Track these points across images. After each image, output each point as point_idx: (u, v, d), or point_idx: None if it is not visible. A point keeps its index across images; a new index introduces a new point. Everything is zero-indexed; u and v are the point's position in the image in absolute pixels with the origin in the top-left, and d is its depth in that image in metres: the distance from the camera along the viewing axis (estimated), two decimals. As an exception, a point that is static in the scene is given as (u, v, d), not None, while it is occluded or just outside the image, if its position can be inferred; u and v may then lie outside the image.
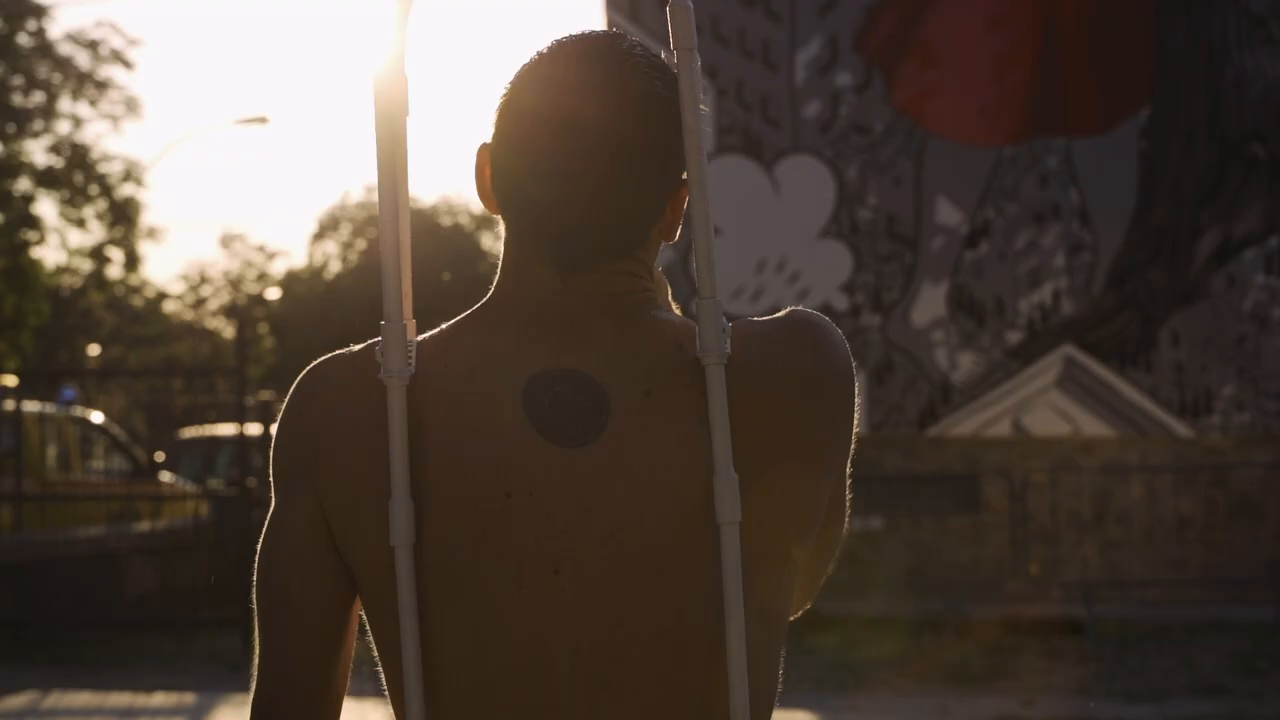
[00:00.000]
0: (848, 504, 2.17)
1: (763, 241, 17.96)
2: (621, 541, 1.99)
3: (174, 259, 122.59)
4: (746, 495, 1.98)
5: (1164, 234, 17.52)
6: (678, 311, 2.26)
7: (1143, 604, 16.54)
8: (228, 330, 58.18)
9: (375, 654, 2.09)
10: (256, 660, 2.09)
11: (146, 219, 49.97)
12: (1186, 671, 12.78)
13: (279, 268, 59.89)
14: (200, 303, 61.60)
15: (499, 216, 2.13)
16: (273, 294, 54.70)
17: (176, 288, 60.90)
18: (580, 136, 2.04)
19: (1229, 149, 17.51)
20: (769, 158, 18.03)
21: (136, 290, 54.59)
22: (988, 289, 17.65)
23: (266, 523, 2.10)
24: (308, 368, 2.11)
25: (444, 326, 2.11)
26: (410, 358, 2.04)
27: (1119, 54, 17.60)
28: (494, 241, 62.24)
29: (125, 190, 37.51)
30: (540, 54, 2.10)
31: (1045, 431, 17.67)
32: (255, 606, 2.10)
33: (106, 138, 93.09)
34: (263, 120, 42.30)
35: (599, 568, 1.99)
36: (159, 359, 51.01)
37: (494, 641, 2.00)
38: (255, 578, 2.09)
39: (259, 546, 2.09)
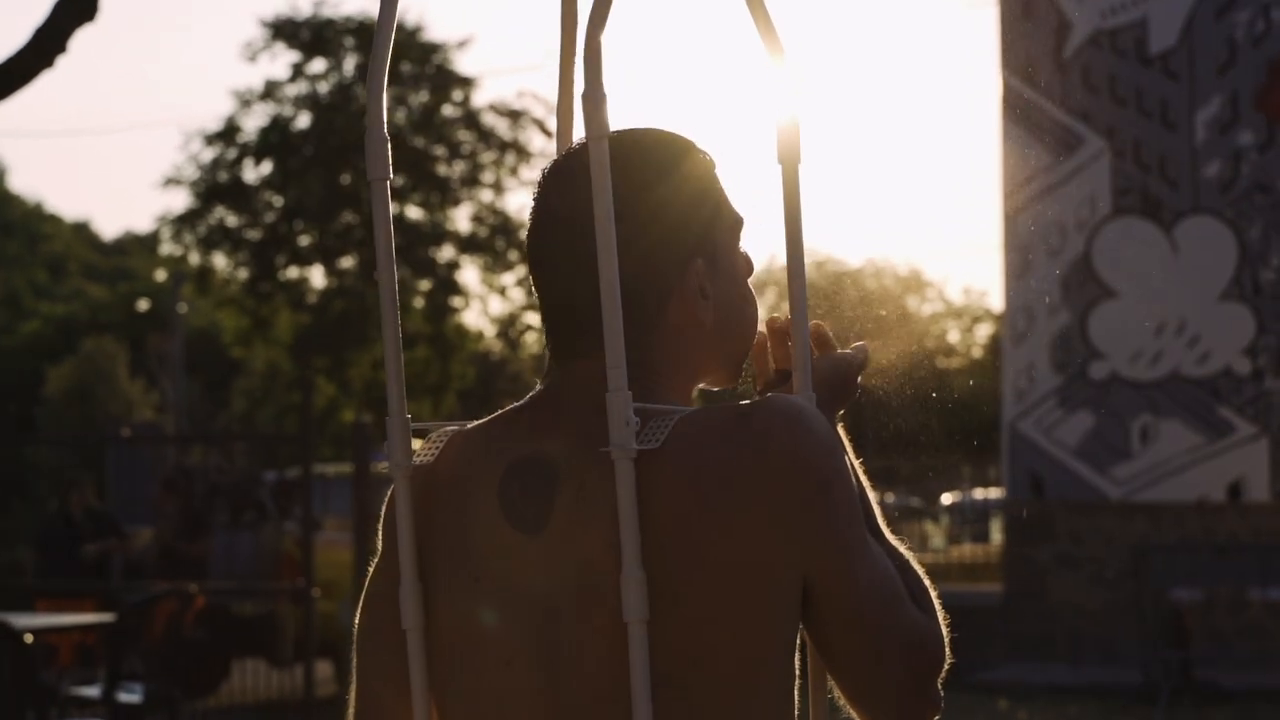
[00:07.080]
0: (861, 585, 2.06)
1: (1162, 304, 17.61)
2: (560, 630, 2.06)
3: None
4: (677, 589, 2.00)
5: None
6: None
7: None
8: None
9: None
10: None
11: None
12: None
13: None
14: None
15: None
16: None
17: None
18: (552, 230, 2.18)
19: None
20: (1168, 219, 17.67)
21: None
22: (1398, 352, 17.03)
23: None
24: None
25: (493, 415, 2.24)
26: (434, 448, 2.19)
27: None
28: (920, 303, 61.82)
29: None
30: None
31: None
32: None
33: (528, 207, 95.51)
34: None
35: (544, 655, 2.06)
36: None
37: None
38: None
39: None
